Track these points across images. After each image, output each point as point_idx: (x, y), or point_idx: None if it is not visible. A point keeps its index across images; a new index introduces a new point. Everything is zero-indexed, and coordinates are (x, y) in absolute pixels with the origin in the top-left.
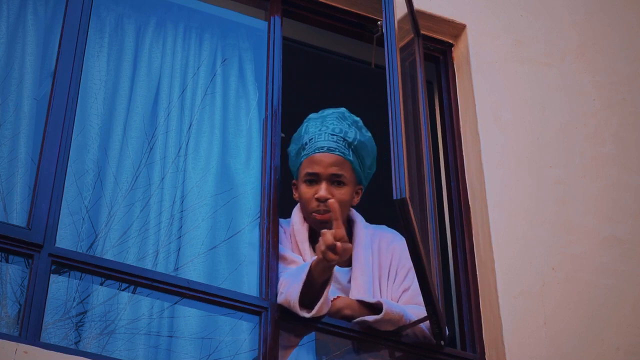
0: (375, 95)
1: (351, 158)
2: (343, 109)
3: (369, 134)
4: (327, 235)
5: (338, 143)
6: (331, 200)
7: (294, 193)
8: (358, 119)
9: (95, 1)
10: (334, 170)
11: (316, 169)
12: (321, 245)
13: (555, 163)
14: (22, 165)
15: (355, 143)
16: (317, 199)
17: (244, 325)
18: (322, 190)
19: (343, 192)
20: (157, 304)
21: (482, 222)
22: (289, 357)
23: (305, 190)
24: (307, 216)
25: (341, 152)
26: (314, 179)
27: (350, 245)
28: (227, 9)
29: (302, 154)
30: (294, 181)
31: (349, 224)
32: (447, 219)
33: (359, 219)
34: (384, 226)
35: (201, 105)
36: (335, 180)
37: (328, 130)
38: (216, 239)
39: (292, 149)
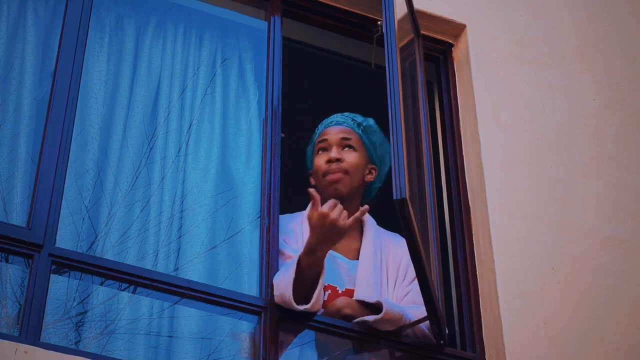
0: (375, 95)
1: (359, 132)
2: (358, 114)
3: (383, 135)
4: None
5: (346, 119)
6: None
7: (312, 181)
8: (371, 118)
9: (95, 1)
10: (342, 134)
11: (325, 137)
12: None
13: (555, 163)
14: (22, 165)
15: (364, 124)
16: (328, 161)
17: (244, 325)
18: (333, 151)
19: (353, 156)
20: (157, 304)
21: (482, 222)
22: (289, 357)
23: (317, 159)
24: (320, 187)
25: (349, 125)
26: (325, 147)
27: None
28: (227, 9)
29: (315, 138)
30: (310, 171)
31: (360, 222)
32: (447, 219)
33: (370, 220)
34: (397, 234)
35: (201, 105)
36: (345, 145)
37: (338, 114)
38: (216, 239)
39: (309, 150)
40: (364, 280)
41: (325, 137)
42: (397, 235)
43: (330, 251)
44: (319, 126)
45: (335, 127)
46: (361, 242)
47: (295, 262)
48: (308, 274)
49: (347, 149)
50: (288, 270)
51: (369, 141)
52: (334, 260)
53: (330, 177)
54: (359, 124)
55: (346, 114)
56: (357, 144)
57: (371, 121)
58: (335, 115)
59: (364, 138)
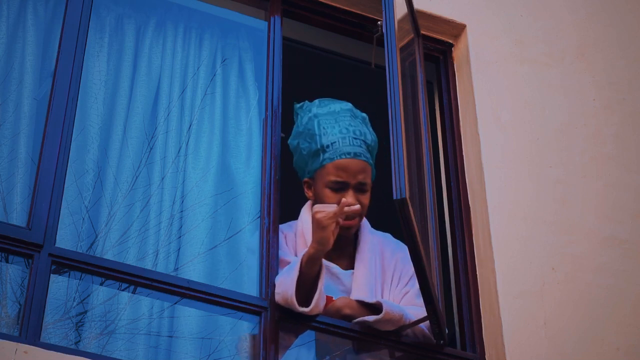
0: (375, 95)
1: (371, 161)
2: (350, 105)
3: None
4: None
5: (361, 147)
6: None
7: (307, 192)
8: (365, 115)
9: (95, 1)
10: (361, 178)
11: (344, 177)
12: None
13: (555, 163)
14: (22, 165)
15: (372, 144)
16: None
17: (244, 325)
18: (350, 197)
19: (366, 197)
20: (157, 304)
21: (482, 222)
22: (289, 357)
23: (329, 195)
24: None
25: (365, 158)
26: (341, 187)
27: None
28: (227, 9)
29: (323, 156)
30: (306, 180)
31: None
32: (447, 219)
33: (365, 223)
34: (389, 235)
35: (201, 105)
36: (360, 188)
37: (350, 134)
38: (216, 239)
39: (303, 146)
40: (359, 288)
41: (342, 176)
42: (389, 237)
43: (325, 261)
44: (328, 139)
45: (354, 163)
46: (356, 249)
47: (299, 263)
48: (309, 274)
49: (362, 192)
50: (291, 270)
51: (373, 159)
52: (329, 270)
53: (346, 223)
54: (368, 147)
55: (357, 130)
56: (369, 181)
57: (370, 128)
58: (347, 130)
59: (371, 162)
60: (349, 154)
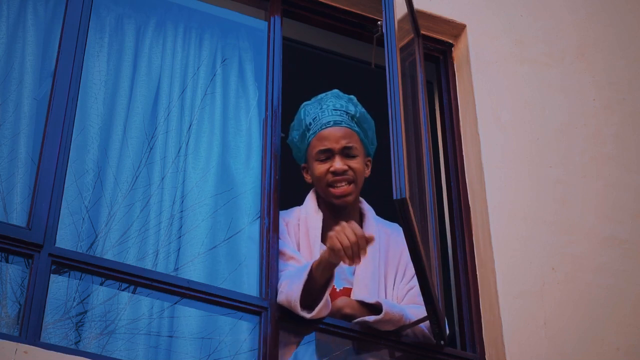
0: (375, 95)
1: (357, 129)
2: (336, 90)
3: (364, 110)
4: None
5: (342, 116)
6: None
7: (305, 177)
8: (352, 96)
9: (95, 1)
10: (344, 142)
11: (327, 145)
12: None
13: (555, 163)
14: (22, 165)
15: (358, 115)
16: (333, 172)
17: (244, 325)
18: (337, 162)
19: (357, 162)
20: (157, 304)
21: (482, 222)
22: (289, 357)
23: (318, 167)
24: (323, 194)
25: (347, 124)
26: (327, 156)
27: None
28: (227, 9)
29: (308, 135)
30: (303, 165)
31: (360, 217)
32: (447, 219)
33: (370, 213)
34: (396, 225)
35: (201, 105)
36: (347, 153)
37: (330, 107)
38: (216, 239)
39: (294, 135)
40: (361, 280)
41: (326, 144)
42: (397, 227)
43: None
44: (310, 117)
45: (335, 130)
46: None
47: (309, 269)
48: (318, 281)
49: (350, 157)
50: (299, 275)
51: (363, 132)
52: None
53: (339, 192)
54: (352, 117)
55: (337, 104)
56: (357, 147)
57: (359, 105)
58: (327, 105)
59: (361, 134)
60: (328, 123)
